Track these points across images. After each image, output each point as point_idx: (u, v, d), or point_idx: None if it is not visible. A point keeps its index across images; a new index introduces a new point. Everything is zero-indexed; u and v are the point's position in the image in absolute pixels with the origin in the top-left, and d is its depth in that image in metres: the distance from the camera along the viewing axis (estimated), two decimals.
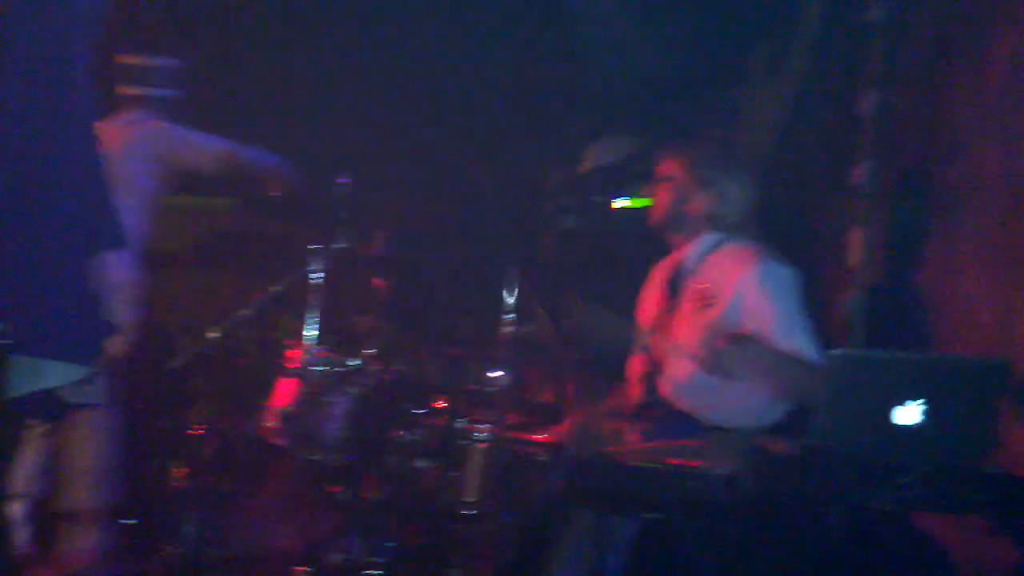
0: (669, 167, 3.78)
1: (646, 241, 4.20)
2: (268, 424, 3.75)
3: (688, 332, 3.62)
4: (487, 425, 3.54)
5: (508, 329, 3.57)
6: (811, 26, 5.01)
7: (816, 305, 3.67)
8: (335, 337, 3.79)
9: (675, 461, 2.91)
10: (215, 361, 3.86)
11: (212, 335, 3.65)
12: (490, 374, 3.62)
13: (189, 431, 3.82)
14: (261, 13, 5.04)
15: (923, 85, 4.05)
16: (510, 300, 3.61)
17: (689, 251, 3.75)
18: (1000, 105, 3.51)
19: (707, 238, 3.72)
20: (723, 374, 3.31)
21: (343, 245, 3.82)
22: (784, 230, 4.42)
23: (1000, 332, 3.37)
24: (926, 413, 2.66)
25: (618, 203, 4.14)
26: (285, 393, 3.76)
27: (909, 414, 2.67)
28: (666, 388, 3.62)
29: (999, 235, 3.44)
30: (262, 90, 5.18)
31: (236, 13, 5.00)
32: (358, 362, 3.77)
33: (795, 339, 3.38)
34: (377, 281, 4.01)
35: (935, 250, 3.82)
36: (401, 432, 3.61)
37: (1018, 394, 2.99)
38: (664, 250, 3.95)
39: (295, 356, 3.75)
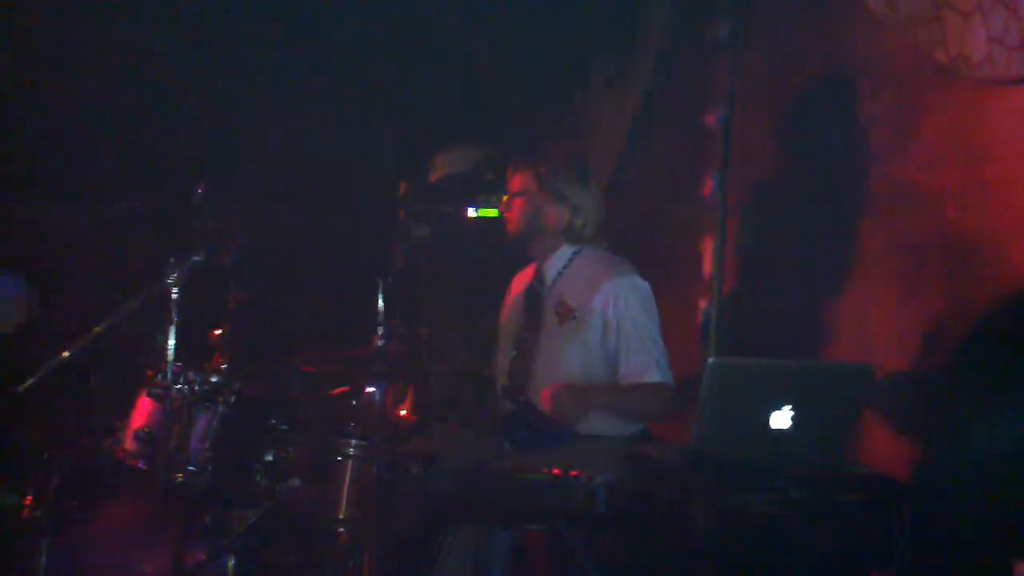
0: (522, 181, 3.81)
1: (498, 250, 4.23)
2: (127, 445, 3.58)
3: (553, 343, 3.66)
4: (359, 440, 3.48)
5: (374, 341, 3.51)
6: (654, 40, 5.13)
7: (672, 314, 3.78)
8: (195, 353, 3.65)
9: (554, 471, 2.93)
10: (69, 381, 3.66)
11: (64, 353, 3.45)
12: (360, 387, 3.57)
13: (41, 454, 3.61)
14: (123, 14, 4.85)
15: (770, 100, 4.21)
16: (374, 312, 3.56)
17: (548, 263, 3.80)
18: (845, 119, 3.70)
19: (564, 250, 3.78)
20: (567, 421, 3.40)
21: (199, 257, 3.69)
22: (637, 240, 4.54)
23: (855, 338, 3.54)
24: (797, 417, 2.78)
25: (469, 212, 4.14)
26: (144, 412, 3.60)
27: (782, 419, 2.78)
28: (536, 398, 3.65)
29: (850, 243, 3.62)
30: (117, 97, 4.98)
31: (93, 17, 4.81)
32: (219, 378, 3.65)
33: (646, 355, 3.50)
34: (235, 294, 3.87)
35: (788, 259, 3.98)
36: (269, 450, 3.52)
37: (879, 396, 3.16)
38: (515, 259, 3.99)
39: (153, 373, 3.59)
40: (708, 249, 4.36)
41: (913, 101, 3.36)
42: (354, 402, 3.69)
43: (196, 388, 3.54)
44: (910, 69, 3.36)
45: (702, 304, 4.34)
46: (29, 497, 3.62)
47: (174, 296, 3.52)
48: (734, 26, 4.42)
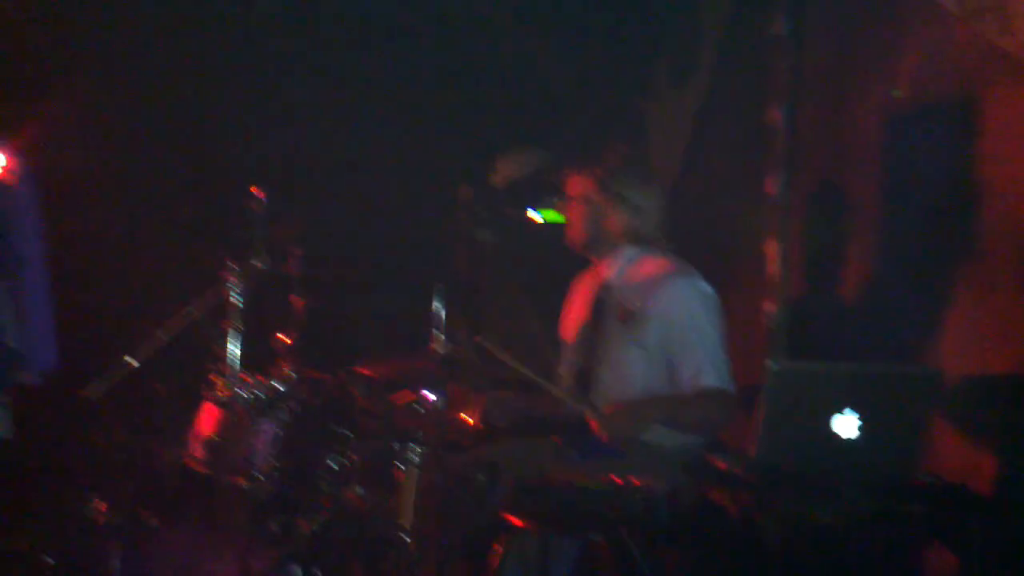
0: (582, 185, 3.78)
1: (560, 254, 4.21)
2: (193, 452, 3.62)
3: (614, 347, 3.64)
4: (422, 447, 3.48)
5: (436, 347, 3.52)
6: (715, 38, 5.08)
7: (736, 318, 3.73)
8: (260, 360, 3.69)
9: (616, 479, 2.91)
10: (136, 388, 3.72)
11: (130, 360, 3.51)
12: (423, 394, 3.57)
13: (113, 460, 3.68)
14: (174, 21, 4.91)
15: (832, 97, 4.14)
16: (436, 317, 3.57)
17: (609, 267, 3.77)
18: (910, 114, 3.62)
19: (626, 253, 3.74)
20: (619, 438, 3.36)
21: (264, 263, 3.72)
22: (701, 242, 4.49)
23: (923, 342, 3.46)
24: (863, 423, 2.71)
25: (530, 215, 4.13)
26: (210, 420, 3.64)
27: (846, 425, 2.72)
28: (600, 403, 3.62)
29: (918, 242, 3.54)
30: (178, 100, 5.03)
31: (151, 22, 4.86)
32: (284, 385, 3.68)
33: (704, 359, 3.45)
34: (297, 300, 3.90)
35: (854, 261, 3.91)
36: (333, 457, 3.53)
37: (951, 402, 3.08)
38: (578, 263, 3.96)
39: (218, 381, 3.64)
40: (773, 250, 4.30)
41: (979, 93, 3.28)
42: (418, 409, 3.69)
43: (261, 395, 3.58)
44: (976, 60, 3.28)
45: (767, 307, 4.28)
46: (103, 503, 3.69)
47: (239, 303, 3.57)
48: (793, 21, 4.36)
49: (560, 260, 4.19)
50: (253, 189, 3.84)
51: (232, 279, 3.73)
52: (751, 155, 4.54)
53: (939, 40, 3.47)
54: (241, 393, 3.50)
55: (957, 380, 3.13)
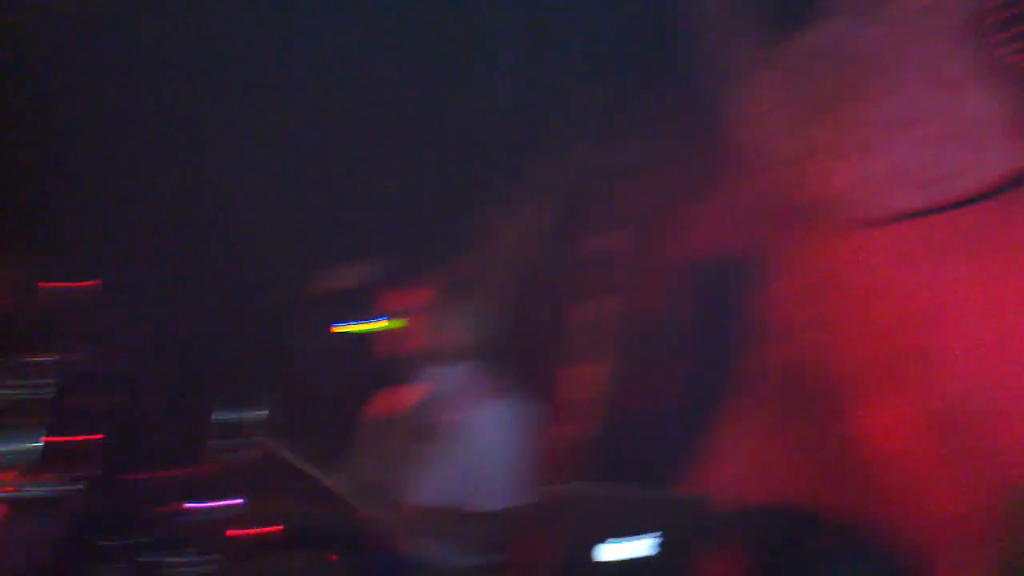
0: (419, 296, 3.74)
1: (374, 366, 4.12)
2: None
3: (418, 464, 3.55)
4: (205, 559, 3.31)
5: (229, 454, 3.40)
6: (563, 166, 5.19)
7: (547, 437, 3.70)
8: (33, 462, 3.48)
9: None
10: None
11: None
12: (208, 502, 3.42)
13: None
14: None
15: (658, 222, 4.26)
16: (232, 422, 3.46)
17: (423, 382, 3.70)
18: (713, 258, 3.75)
19: (442, 368, 3.70)
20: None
21: (76, 357, 3.56)
22: (522, 360, 4.49)
23: (729, 465, 3.50)
24: (649, 549, 2.69)
25: (343, 327, 4.06)
26: None
27: (620, 550, 2.68)
28: (397, 518, 3.51)
29: (728, 371, 3.61)
30: None
31: None
32: (54, 490, 3.47)
33: (502, 481, 3.41)
34: (93, 399, 3.73)
35: (660, 388, 3.96)
36: (103, 570, 3.31)
37: (715, 529, 3.08)
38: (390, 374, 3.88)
39: None
40: (588, 371, 4.33)
41: (772, 241, 3.40)
42: (203, 518, 3.52)
43: (25, 499, 3.37)
44: (771, 209, 3.43)
45: (577, 427, 4.29)
46: None
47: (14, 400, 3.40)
48: (632, 161, 4.48)
49: (373, 373, 4.11)
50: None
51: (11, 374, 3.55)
52: (581, 277, 4.61)
53: (740, 189, 3.60)
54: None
55: (749, 507, 3.15)
